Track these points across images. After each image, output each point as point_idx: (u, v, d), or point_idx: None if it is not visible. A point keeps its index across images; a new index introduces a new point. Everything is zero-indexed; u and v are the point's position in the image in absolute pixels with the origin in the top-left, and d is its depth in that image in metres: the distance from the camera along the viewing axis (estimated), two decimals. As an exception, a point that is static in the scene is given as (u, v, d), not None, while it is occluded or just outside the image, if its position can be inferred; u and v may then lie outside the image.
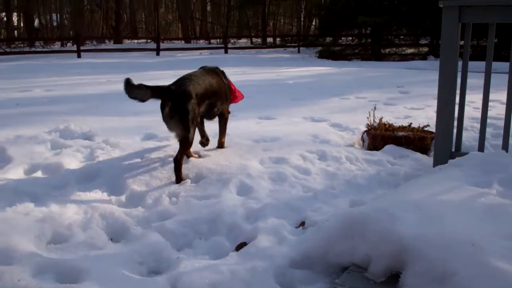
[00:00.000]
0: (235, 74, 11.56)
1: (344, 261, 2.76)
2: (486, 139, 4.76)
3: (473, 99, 7.31)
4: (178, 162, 4.24)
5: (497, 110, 6.92)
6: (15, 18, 41.93)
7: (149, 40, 37.54)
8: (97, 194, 3.92)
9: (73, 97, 9.11)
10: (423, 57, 25.25)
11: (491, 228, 2.50)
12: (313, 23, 45.72)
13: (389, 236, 2.54)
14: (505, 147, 4.26)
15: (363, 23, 25.29)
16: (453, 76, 4.27)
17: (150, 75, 13.49)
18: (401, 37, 29.37)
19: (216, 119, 4.99)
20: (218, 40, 38.51)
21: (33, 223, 3.23)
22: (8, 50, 27.45)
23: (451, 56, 4.26)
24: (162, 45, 28.62)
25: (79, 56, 24.64)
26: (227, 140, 5.15)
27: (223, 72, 5.08)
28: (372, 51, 27.12)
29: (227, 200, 3.74)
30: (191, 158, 4.58)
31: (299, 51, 30.32)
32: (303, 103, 8.37)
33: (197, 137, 4.71)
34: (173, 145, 4.97)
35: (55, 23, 44.33)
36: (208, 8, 52.64)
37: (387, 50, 28.16)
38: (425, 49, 27.69)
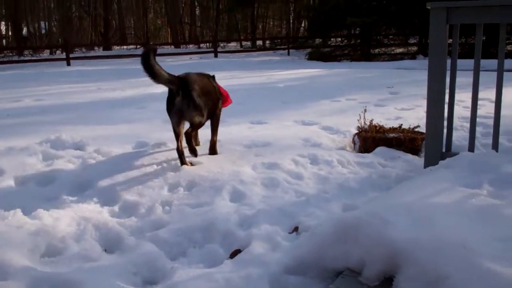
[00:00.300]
0: (225, 79, 11.58)
1: (338, 265, 2.77)
2: (476, 138, 4.80)
3: (463, 98, 7.34)
4: (189, 136, 4.63)
5: (486, 108, 6.96)
6: (3, 27, 41.78)
7: (138, 46, 37.46)
8: (90, 205, 3.91)
9: (63, 106, 9.07)
10: (412, 56, 25.36)
11: (483, 230, 2.52)
12: (302, 25, 45.74)
13: (382, 240, 2.55)
14: (495, 146, 4.29)
15: (352, 23, 25.37)
16: (442, 77, 4.30)
17: (141, 82, 13.44)
18: (390, 36, 29.49)
19: (208, 123, 5.05)
20: (207, 44, 38.47)
21: (26, 236, 3.22)
22: (-3, 59, 27.35)
23: (439, 57, 4.29)
24: (152, 51, 28.52)
25: (68, 64, 24.53)
26: (218, 146, 5.15)
27: (213, 77, 5.27)
28: (361, 51, 27.18)
29: (220, 207, 3.75)
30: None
31: (289, 53, 30.35)
32: (294, 107, 8.39)
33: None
34: (164, 154, 4.97)
35: (43, 31, 44.17)
36: (197, 12, 52.55)
37: (376, 50, 28.26)
38: (414, 48, 27.83)
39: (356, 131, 5.63)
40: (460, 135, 5.77)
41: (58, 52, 34.78)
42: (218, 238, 3.38)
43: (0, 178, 4.45)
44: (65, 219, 3.55)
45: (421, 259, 2.35)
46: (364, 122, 5.61)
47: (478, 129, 5.23)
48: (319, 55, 26.48)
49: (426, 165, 4.37)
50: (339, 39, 31.01)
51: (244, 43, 40.67)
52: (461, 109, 7.20)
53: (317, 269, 2.83)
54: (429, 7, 4.25)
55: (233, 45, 40.98)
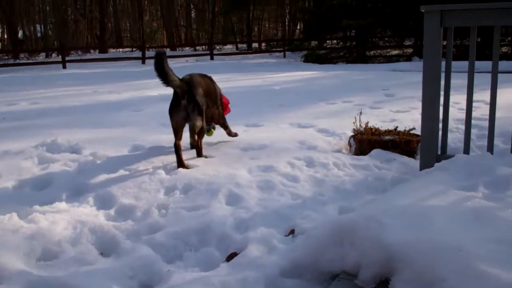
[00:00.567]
0: (221, 81, 11.48)
1: (334, 268, 2.77)
2: (472, 140, 4.80)
3: (458, 100, 7.37)
4: (198, 147, 5.00)
5: (481, 110, 6.97)
6: (-2, 30, 41.75)
7: (134, 49, 37.45)
8: (86, 209, 3.90)
9: (59, 110, 9.07)
10: (408, 58, 25.43)
11: (478, 232, 2.52)
12: (298, 27, 45.85)
13: (378, 242, 2.56)
14: (490, 148, 4.30)
15: (348, 26, 25.43)
16: (436, 80, 4.31)
17: (137, 85, 13.47)
18: (386, 39, 29.49)
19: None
20: (203, 46, 38.48)
21: (22, 240, 3.21)
22: (-8, 62, 27.28)
23: (434, 60, 4.29)
24: (148, 53, 28.51)
25: (64, 67, 24.55)
26: (214, 148, 5.17)
27: (214, 81, 5.47)
28: (357, 53, 27.19)
29: (216, 211, 3.75)
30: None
31: (284, 56, 30.39)
32: (290, 109, 8.40)
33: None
34: (160, 157, 4.97)
35: (39, 34, 44.12)
36: (193, 15, 52.59)
37: (372, 52, 28.31)
38: (410, 50, 27.87)
39: (352, 134, 5.64)
40: (455, 137, 5.78)
41: (54, 55, 34.75)
42: (214, 241, 3.38)
43: (-4, 182, 4.45)
44: (61, 222, 3.54)
45: (417, 261, 2.35)
46: (360, 125, 5.62)
47: (473, 131, 5.25)
48: (315, 58, 26.50)
49: (422, 167, 4.38)
50: (335, 41, 31.04)
51: (240, 45, 40.69)
52: (456, 111, 7.22)
53: (313, 272, 2.84)
54: (423, 11, 4.26)
55: (229, 47, 40.99)
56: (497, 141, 5.03)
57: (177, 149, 4.74)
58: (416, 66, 16.54)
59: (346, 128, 6.17)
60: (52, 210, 3.81)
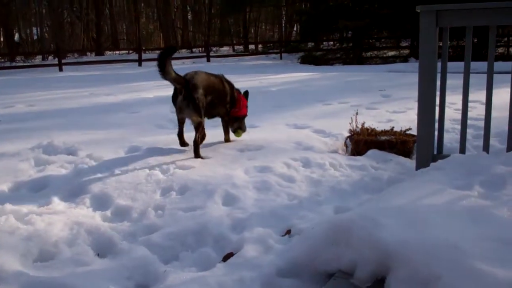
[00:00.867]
0: (218, 83, 11.54)
1: (330, 268, 2.77)
2: (468, 140, 4.82)
3: (454, 100, 7.38)
4: (196, 143, 5.05)
5: (477, 111, 6.97)
6: (-5, 33, 41.67)
7: (130, 51, 37.39)
8: (82, 210, 3.90)
9: (56, 112, 9.04)
10: (404, 59, 25.49)
11: (474, 231, 2.53)
12: (295, 29, 45.92)
13: (374, 242, 2.56)
14: (486, 148, 4.32)
15: (344, 27, 25.53)
16: (432, 80, 4.32)
17: (133, 87, 13.45)
18: (382, 40, 29.59)
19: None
20: (200, 48, 38.49)
21: (19, 241, 3.21)
22: (-11, 66, 27.22)
23: (429, 60, 4.30)
24: (144, 56, 28.52)
25: (60, 70, 24.49)
26: (211, 149, 5.17)
27: (227, 81, 5.72)
28: (353, 55, 27.27)
29: (213, 211, 3.76)
30: (176, 170, 4.59)
31: (281, 57, 30.41)
32: (287, 110, 8.41)
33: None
34: (156, 158, 4.97)
35: (35, 37, 44.05)
36: (189, 17, 52.57)
37: (368, 54, 28.39)
38: (406, 51, 27.95)
39: (348, 134, 5.65)
40: (451, 137, 5.80)
41: (50, 57, 34.67)
42: (211, 242, 3.38)
43: (-8, 184, 4.44)
44: (57, 224, 3.54)
45: (413, 260, 2.36)
46: (356, 125, 5.63)
47: (469, 131, 5.25)
48: (312, 59, 26.56)
49: (418, 167, 4.39)
50: (331, 42, 31.14)
51: (236, 47, 40.71)
52: (452, 112, 7.24)
53: (310, 271, 2.84)
54: (418, 11, 4.27)
55: (225, 49, 41.02)
56: (493, 141, 5.05)
57: (180, 137, 5.26)
58: (413, 67, 16.57)
59: (342, 129, 6.18)
60: (49, 211, 3.81)
